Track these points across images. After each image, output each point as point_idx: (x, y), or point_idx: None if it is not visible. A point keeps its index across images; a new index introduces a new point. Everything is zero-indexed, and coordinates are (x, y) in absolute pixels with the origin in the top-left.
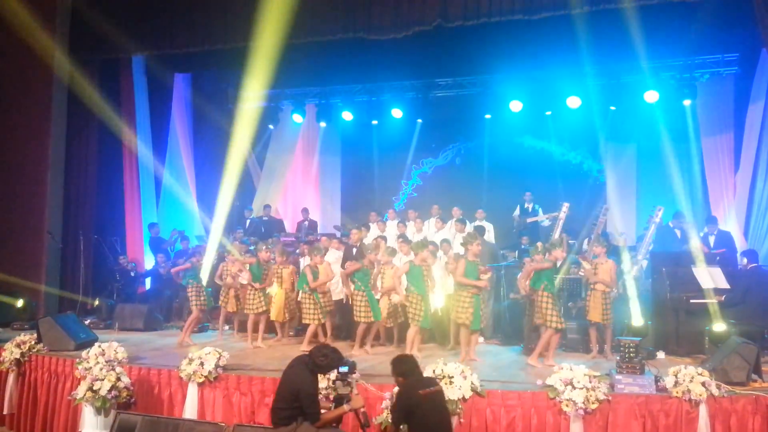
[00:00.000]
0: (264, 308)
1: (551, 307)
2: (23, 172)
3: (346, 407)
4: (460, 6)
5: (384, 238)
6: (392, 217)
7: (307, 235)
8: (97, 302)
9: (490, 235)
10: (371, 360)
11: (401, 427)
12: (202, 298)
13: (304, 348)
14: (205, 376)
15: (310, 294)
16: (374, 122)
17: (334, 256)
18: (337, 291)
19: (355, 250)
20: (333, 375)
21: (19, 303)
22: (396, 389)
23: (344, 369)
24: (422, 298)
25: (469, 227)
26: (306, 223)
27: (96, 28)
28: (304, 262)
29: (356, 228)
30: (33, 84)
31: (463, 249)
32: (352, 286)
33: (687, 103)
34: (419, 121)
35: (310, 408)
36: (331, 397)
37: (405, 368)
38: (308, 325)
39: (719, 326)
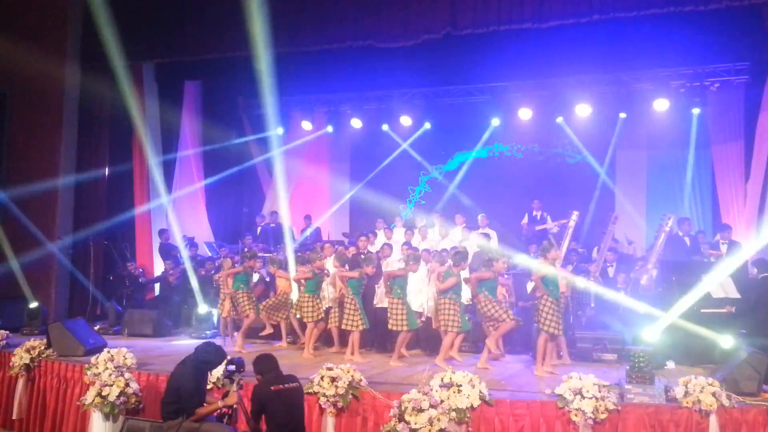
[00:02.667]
0: (321, 315)
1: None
2: (35, 178)
3: (219, 403)
4: (470, 14)
5: (390, 246)
6: (399, 225)
7: (313, 242)
8: (109, 304)
9: (493, 242)
10: (379, 368)
11: None
12: (252, 303)
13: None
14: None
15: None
16: (384, 128)
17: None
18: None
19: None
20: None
21: (33, 304)
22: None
23: (231, 367)
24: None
25: (474, 235)
26: (308, 230)
27: (107, 36)
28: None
29: (363, 236)
30: (44, 91)
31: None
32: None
33: (697, 111)
34: (428, 127)
35: (187, 403)
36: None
37: (262, 367)
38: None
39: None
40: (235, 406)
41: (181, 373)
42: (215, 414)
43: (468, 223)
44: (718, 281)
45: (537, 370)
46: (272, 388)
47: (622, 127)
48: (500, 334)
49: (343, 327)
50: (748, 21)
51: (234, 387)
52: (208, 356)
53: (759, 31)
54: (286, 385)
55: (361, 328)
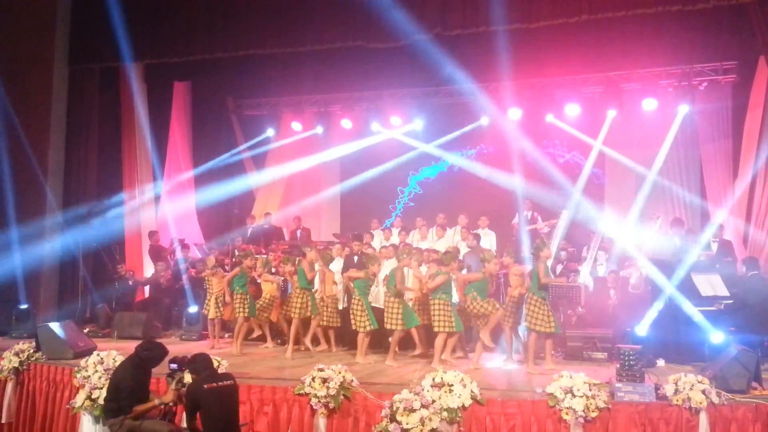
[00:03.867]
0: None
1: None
2: (23, 179)
3: (156, 401)
4: (459, 15)
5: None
6: (396, 225)
7: (302, 243)
8: (99, 307)
9: (491, 243)
10: (370, 369)
11: None
12: (246, 307)
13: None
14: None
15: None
16: (373, 128)
17: (338, 265)
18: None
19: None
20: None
21: (22, 306)
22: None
23: (173, 366)
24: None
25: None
26: (299, 231)
27: (95, 37)
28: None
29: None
30: (32, 91)
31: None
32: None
33: (685, 110)
34: (418, 128)
35: (124, 400)
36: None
37: (196, 366)
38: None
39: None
40: (170, 404)
41: (121, 371)
42: (160, 411)
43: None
44: (707, 279)
45: (529, 367)
46: (205, 386)
47: (610, 126)
48: (492, 326)
49: (352, 328)
50: (736, 21)
51: (173, 385)
52: (146, 353)
53: (746, 31)
54: (220, 383)
55: (369, 329)
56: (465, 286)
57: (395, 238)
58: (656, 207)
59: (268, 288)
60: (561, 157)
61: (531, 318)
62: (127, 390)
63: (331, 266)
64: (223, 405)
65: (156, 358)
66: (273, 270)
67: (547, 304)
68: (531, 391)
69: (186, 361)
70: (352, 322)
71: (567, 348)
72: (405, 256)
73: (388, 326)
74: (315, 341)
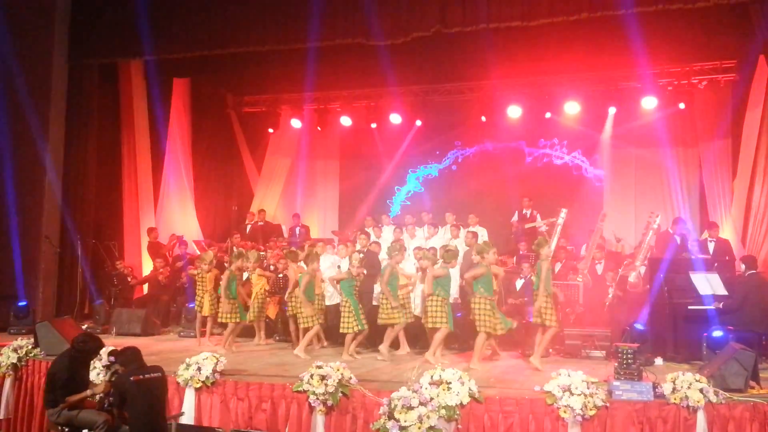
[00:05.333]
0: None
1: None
2: (21, 176)
3: (88, 392)
4: (459, 12)
5: (379, 244)
6: (387, 223)
7: (302, 240)
8: (97, 303)
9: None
10: (368, 365)
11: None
12: (237, 314)
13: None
14: (203, 382)
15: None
16: (373, 126)
17: (329, 260)
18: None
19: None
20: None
21: (21, 303)
22: None
23: (111, 358)
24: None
25: (463, 233)
26: (298, 228)
27: (94, 33)
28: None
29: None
30: (31, 88)
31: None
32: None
33: (685, 109)
34: (418, 125)
35: (59, 390)
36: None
37: (124, 359)
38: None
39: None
40: (101, 395)
41: (58, 363)
42: (100, 402)
43: (458, 221)
44: (705, 278)
45: (533, 357)
46: (132, 378)
47: (610, 124)
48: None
49: (340, 330)
50: (735, 19)
51: (107, 377)
52: (82, 345)
53: (746, 30)
54: (146, 376)
55: (355, 329)
56: (473, 283)
57: (389, 236)
58: (655, 206)
59: (261, 284)
60: (559, 159)
61: (539, 314)
62: (62, 381)
63: (323, 264)
64: (149, 397)
65: (91, 350)
66: (272, 267)
67: (550, 299)
68: (529, 389)
69: (116, 354)
70: (341, 323)
71: (565, 346)
72: (396, 253)
73: (430, 325)
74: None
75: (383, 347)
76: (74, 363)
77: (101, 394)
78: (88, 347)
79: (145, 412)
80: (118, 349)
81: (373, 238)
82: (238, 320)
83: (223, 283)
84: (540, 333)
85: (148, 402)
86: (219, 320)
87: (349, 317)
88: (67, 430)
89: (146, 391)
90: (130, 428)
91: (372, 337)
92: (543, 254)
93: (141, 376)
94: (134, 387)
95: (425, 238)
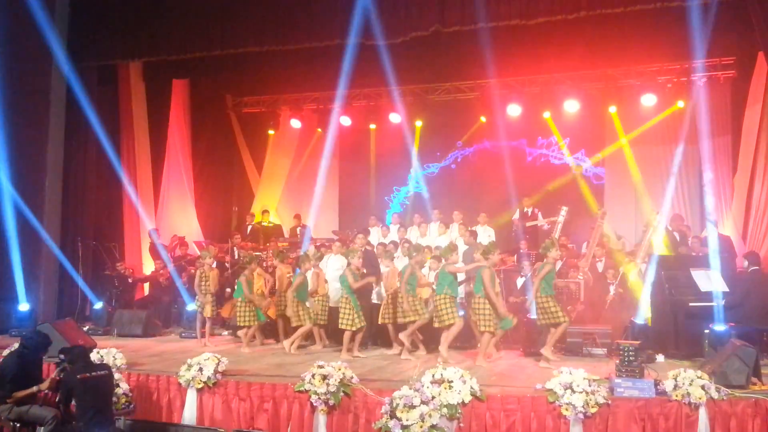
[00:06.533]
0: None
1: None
2: (21, 177)
3: (35, 388)
4: (458, 11)
5: (396, 243)
6: (394, 222)
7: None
8: (99, 305)
9: (490, 240)
10: (370, 365)
11: None
12: (254, 315)
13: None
14: (204, 382)
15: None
16: (372, 127)
17: (340, 262)
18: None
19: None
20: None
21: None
22: None
23: (62, 356)
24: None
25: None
26: (299, 228)
27: (93, 34)
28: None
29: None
30: (31, 89)
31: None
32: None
33: (684, 106)
34: (417, 125)
35: (7, 386)
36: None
37: (71, 357)
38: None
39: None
40: (46, 390)
41: (7, 360)
42: (49, 397)
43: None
44: (706, 274)
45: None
46: (78, 376)
47: (610, 122)
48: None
49: (339, 326)
50: (734, 17)
51: (55, 373)
52: (29, 343)
53: (745, 27)
54: (93, 374)
55: (355, 326)
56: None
57: (394, 235)
58: (655, 203)
59: (260, 283)
60: (558, 159)
61: (545, 316)
62: (10, 377)
63: (325, 265)
64: (97, 393)
65: (38, 347)
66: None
67: (553, 299)
68: (531, 387)
69: (64, 352)
70: (340, 320)
71: (567, 344)
72: (415, 253)
73: (438, 324)
74: (309, 339)
75: (443, 349)
76: (22, 359)
77: (47, 390)
78: (34, 344)
79: (91, 407)
80: (67, 347)
81: (378, 237)
82: (256, 322)
83: (244, 287)
84: (552, 329)
85: (94, 399)
86: (239, 324)
87: (350, 313)
88: (18, 425)
89: (92, 388)
90: (77, 423)
91: (373, 337)
92: (550, 257)
93: (87, 374)
94: (80, 384)
95: (437, 236)
